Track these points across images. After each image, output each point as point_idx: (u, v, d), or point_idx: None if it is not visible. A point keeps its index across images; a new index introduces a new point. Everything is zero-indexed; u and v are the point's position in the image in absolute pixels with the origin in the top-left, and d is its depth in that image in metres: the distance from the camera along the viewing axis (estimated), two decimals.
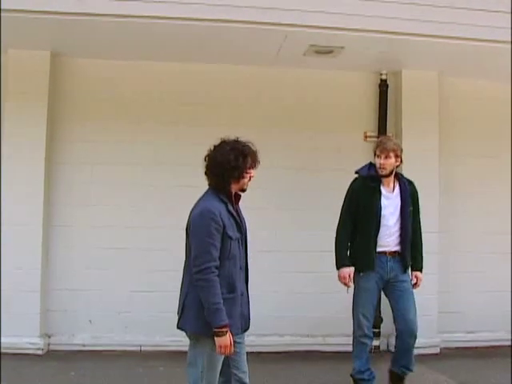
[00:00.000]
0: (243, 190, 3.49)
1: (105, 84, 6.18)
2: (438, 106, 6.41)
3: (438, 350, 6.18)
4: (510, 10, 5.28)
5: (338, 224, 4.87)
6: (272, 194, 6.23)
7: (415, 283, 4.85)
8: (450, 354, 6.19)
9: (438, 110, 6.41)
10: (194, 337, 3.41)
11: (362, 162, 6.42)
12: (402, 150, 4.75)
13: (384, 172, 4.70)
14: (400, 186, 4.80)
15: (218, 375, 3.40)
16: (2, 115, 5.81)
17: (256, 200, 6.19)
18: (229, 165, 3.35)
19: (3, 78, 5.81)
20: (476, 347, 6.40)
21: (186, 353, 5.83)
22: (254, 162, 3.44)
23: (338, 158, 6.40)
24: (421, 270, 4.88)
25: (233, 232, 3.34)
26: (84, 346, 6.01)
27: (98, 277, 6.05)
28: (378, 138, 6.39)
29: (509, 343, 6.46)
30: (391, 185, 4.78)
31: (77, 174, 6.10)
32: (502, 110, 6.66)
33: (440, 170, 6.04)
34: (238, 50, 5.82)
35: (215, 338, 3.20)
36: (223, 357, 3.37)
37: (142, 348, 6.09)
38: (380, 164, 4.69)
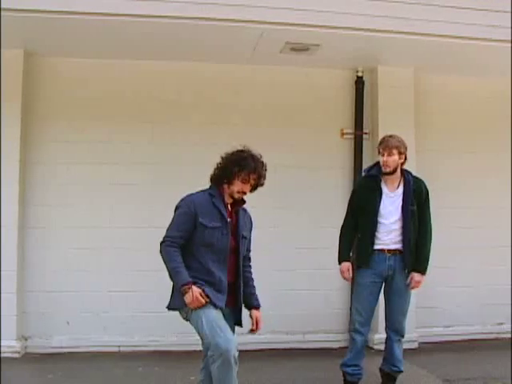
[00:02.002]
0: (233, 199, 3.70)
1: (80, 83, 6.11)
2: (414, 102, 6.46)
3: (416, 345, 6.23)
4: (480, 7, 5.35)
5: (343, 221, 4.93)
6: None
7: (411, 285, 4.74)
8: (428, 349, 6.24)
9: (414, 106, 6.46)
10: (185, 312, 3.59)
11: (339, 159, 6.50)
12: (406, 148, 4.71)
13: (388, 169, 4.67)
14: (404, 184, 4.76)
15: (225, 327, 3.50)
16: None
17: None
18: (225, 169, 3.65)
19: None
20: (453, 341, 6.47)
21: (164, 352, 5.87)
22: (247, 178, 3.60)
23: (315, 156, 6.41)
24: (420, 272, 4.73)
25: (209, 221, 3.58)
26: (62, 347, 5.94)
27: (75, 278, 5.98)
28: (354, 134, 6.46)
29: (484, 337, 6.58)
30: (395, 183, 4.74)
31: (52, 175, 6.02)
32: (478, 105, 6.76)
33: (416, 165, 6.07)
34: (214, 47, 5.79)
35: (184, 297, 3.48)
36: (220, 315, 3.55)
37: (121, 348, 6.03)
38: (383, 161, 4.65)
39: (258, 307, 3.86)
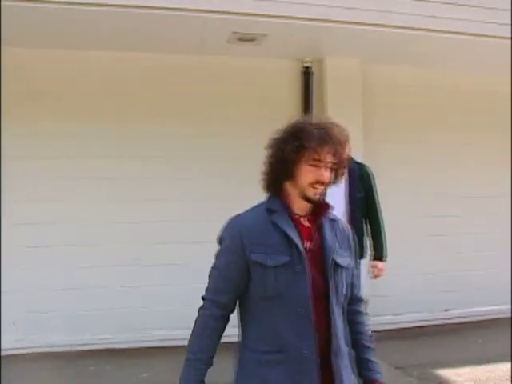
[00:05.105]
0: (308, 199, 2.23)
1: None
2: (361, 93, 6.50)
3: None
4: None
5: None
6: (197, 184, 6.17)
7: (374, 273, 4.81)
8: (378, 337, 6.28)
9: (361, 97, 6.51)
10: None
11: None
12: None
13: None
14: (349, 170, 4.73)
15: None
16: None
17: (181, 191, 6.14)
18: (277, 156, 2.29)
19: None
20: (402, 328, 6.58)
21: (116, 350, 5.76)
22: (318, 157, 2.19)
23: (263, 146, 6.37)
24: (380, 259, 4.78)
25: (268, 256, 2.15)
26: (8, 349, 5.70)
27: (20, 276, 5.78)
28: None
29: (432, 323, 6.73)
30: None
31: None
32: (425, 95, 6.87)
33: (364, 156, 6.13)
34: (160, 37, 5.67)
35: None
36: None
37: (71, 348, 5.86)
38: None
39: (378, 381, 2.36)
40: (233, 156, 6.24)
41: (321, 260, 2.21)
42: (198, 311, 2.26)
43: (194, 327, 2.24)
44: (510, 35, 5.56)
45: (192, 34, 5.56)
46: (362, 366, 2.36)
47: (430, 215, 6.78)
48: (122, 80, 6.12)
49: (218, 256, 2.28)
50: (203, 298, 2.26)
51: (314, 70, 6.50)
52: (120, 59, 6.09)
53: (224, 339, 2.26)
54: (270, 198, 2.32)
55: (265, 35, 5.61)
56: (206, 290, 2.27)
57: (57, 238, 5.88)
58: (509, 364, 5.04)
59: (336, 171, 2.27)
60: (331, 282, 2.19)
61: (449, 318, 6.82)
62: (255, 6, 5.09)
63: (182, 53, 6.14)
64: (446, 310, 6.87)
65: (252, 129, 6.36)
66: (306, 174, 2.20)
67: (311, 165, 2.19)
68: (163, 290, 6.04)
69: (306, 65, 6.46)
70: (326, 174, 2.21)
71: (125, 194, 6.01)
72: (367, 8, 5.29)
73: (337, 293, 2.21)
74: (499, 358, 5.33)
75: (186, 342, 2.26)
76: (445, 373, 5.16)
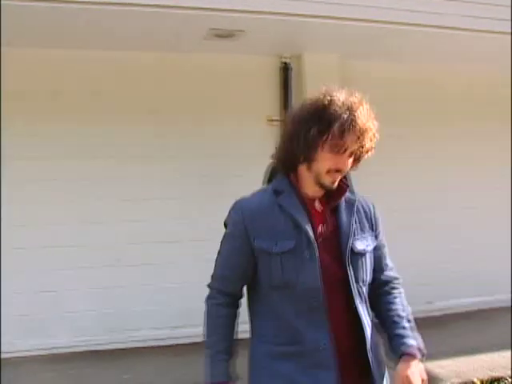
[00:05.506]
0: (323, 187, 2.06)
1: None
2: (340, 88, 6.47)
3: None
4: None
5: None
6: (174, 183, 6.12)
7: None
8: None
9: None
10: None
11: (267, 146, 6.40)
12: None
13: None
14: None
15: None
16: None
17: (157, 189, 6.09)
18: (295, 134, 2.05)
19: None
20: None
21: (96, 352, 5.69)
22: (340, 142, 1.97)
23: (243, 143, 6.36)
24: None
25: (274, 241, 1.99)
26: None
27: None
28: (282, 121, 6.44)
29: (415, 316, 6.68)
30: None
31: None
32: (406, 90, 6.88)
33: None
34: (136, 35, 5.57)
35: None
36: None
37: (51, 351, 5.76)
38: None
39: (410, 353, 2.13)
40: (210, 154, 6.22)
41: (336, 245, 2.05)
42: (206, 302, 2.17)
43: (205, 321, 2.15)
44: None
45: (169, 30, 5.47)
46: (393, 339, 2.16)
47: (409, 208, 6.82)
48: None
49: (222, 242, 2.17)
50: (209, 286, 2.17)
51: (293, 65, 6.48)
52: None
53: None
54: (278, 180, 2.14)
55: (243, 31, 5.56)
56: (212, 276, 2.17)
57: (36, 240, 5.78)
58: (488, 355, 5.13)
59: (356, 157, 2.08)
60: (349, 269, 2.03)
61: (431, 311, 6.82)
62: (234, 2, 5.02)
63: (157, 50, 6.06)
64: (428, 303, 6.90)
65: (230, 125, 6.35)
66: (326, 160, 2.00)
67: (331, 151, 1.99)
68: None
69: (284, 60, 6.45)
70: (346, 161, 2.03)
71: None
72: (347, 3, 5.26)
73: (356, 280, 2.05)
74: (485, 348, 5.47)
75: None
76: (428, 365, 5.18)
